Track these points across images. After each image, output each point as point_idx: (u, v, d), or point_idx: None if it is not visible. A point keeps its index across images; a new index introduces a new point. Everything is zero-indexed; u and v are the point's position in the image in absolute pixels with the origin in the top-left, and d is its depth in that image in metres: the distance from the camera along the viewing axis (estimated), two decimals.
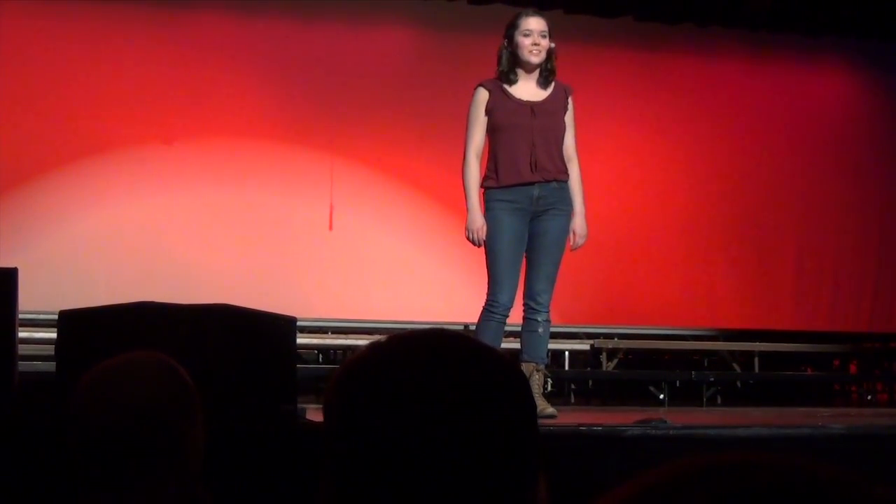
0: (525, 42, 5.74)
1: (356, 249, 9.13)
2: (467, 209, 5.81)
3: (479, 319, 5.74)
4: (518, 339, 5.91)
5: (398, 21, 9.39)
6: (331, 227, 9.12)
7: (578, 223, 5.80)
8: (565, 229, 5.78)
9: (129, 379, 2.16)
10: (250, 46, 9.07)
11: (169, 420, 2.14)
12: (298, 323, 4.61)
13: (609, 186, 9.72)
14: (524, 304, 5.76)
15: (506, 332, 5.89)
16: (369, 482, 1.12)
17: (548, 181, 5.73)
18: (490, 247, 5.74)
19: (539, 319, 5.73)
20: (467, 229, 5.77)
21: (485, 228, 5.73)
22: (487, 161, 5.80)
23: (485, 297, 5.72)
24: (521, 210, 5.72)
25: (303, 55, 9.20)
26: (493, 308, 5.67)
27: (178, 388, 2.19)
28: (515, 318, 5.82)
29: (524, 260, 5.79)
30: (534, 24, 5.76)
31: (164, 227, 8.75)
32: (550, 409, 5.48)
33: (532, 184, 5.72)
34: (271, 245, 8.97)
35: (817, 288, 10.29)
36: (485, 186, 5.79)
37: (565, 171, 5.78)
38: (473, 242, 5.78)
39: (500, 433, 1.15)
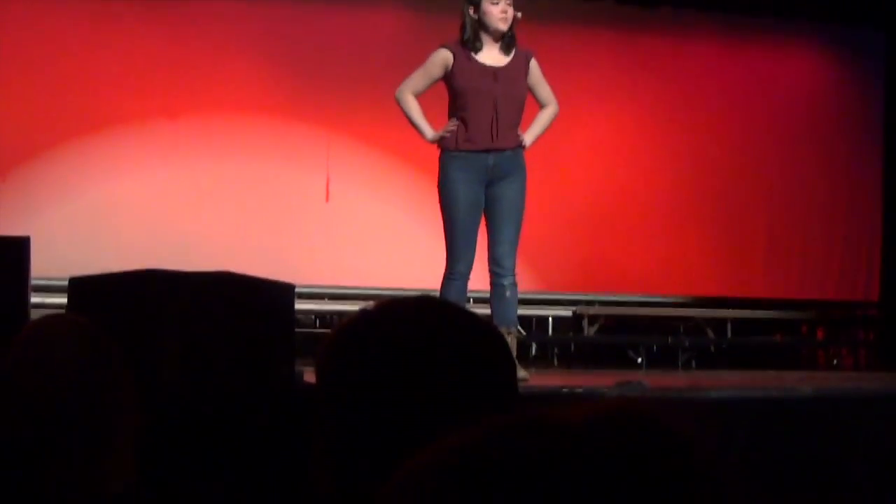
0: (494, 10, 5.53)
1: (351, 219, 9.12)
2: (418, 130, 5.67)
3: (441, 287, 5.58)
4: (488, 305, 5.72)
5: (394, 2, 9.35)
6: (327, 199, 9.11)
7: (529, 136, 5.66)
8: (522, 192, 5.60)
9: (49, 347, 1.73)
10: (251, 25, 9.03)
11: (93, 396, 1.70)
12: (297, 289, 4.61)
13: (590, 162, 9.72)
14: (490, 270, 5.60)
15: (476, 298, 5.75)
16: (359, 439, 1.13)
17: (504, 149, 5.58)
18: (446, 217, 5.59)
19: (505, 284, 5.56)
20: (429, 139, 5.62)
21: (437, 134, 5.59)
22: (448, 124, 5.62)
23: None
24: (477, 179, 5.55)
25: (302, 34, 9.17)
26: (453, 276, 5.54)
27: (103, 358, 1.75)
28: (485, 284, 5.71)
29: (485, 225, 5.62)
30: None
31: (169, 197, 8.74)
32: (522, 373, 5.38)
33: (488, 151, 5.56)
34: (271, 215, 8.96)
35: (786, 258, 10.31)
36: (442, 147, 5.63)
37: (519, 138, 5.62)
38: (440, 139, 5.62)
39: (482, 392, 1.16)
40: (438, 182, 5.65)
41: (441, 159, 5.65)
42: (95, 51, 8.66)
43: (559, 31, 9.52)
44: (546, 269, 9.37)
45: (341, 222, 9.09)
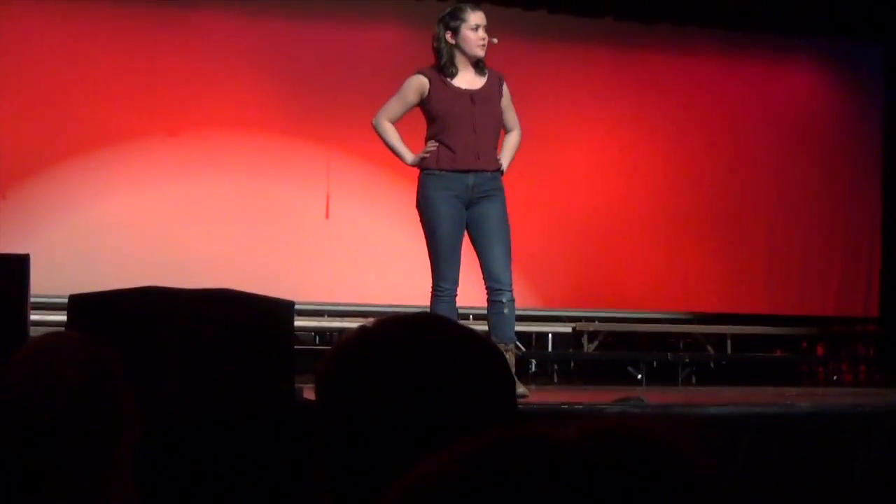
0: (473, 36, 5.59)
1: (351, 236, 9.12)
2: (397, 155, 5.73)
3: (430, 306, 5.61)
4: (485, 322, 5.74)
5: (392, 19, 9.36)
6: (327, 216, 9.11)
7: (504, 162, 5.70)
8: (504, 210, 5.65)
9: (51, 364, 1.72)
10: (252, 43, 9.05)
11: (94, 413, 1.69)
12: (296, 306, 4.61)
13: (590, 178, 9.72)
14: (487, 288, 5.62)
15: (474, 315, 5.77)
16: (358, 455, 1.13)
17: (485, 170, 5.62)
18: (430, 236, 5.64)
19: (504, 300, 5.57)
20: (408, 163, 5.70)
21: (417, 157, 5.65)
22: (426, 146, 5.69)
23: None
24: (457, 197, 5.59)
25: (303, 51, 9.18)
26: (440, 293, 5.58)
27: (104, 375, 1.74)
28: (483, 301, 5.71)
29: (475, 247, 5.66)
30: (481, 19, 5.61)
31: (169, 214, 8.74)
32: (522, 389, 5.37)
33: (467, 172, 5.60)
34: (271, 232, 8.96)
35: (786, 274, 10.30)
36: (422, 168, 5.67)
37: (498, 162, 5.68)
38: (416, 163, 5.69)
39: (481, 409, 1.16)
40: (418, 202, 5.70)
41: (421, 179, 5.69)
42: (96, 68, 8.67)
43: (558, 48, 9.54)
44: (545, 286, 9.37)
45: (341, 239, 9.09)
